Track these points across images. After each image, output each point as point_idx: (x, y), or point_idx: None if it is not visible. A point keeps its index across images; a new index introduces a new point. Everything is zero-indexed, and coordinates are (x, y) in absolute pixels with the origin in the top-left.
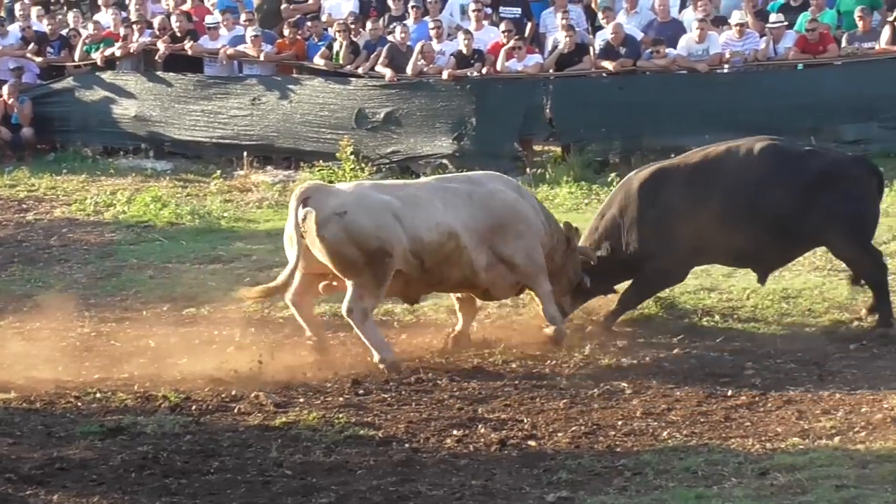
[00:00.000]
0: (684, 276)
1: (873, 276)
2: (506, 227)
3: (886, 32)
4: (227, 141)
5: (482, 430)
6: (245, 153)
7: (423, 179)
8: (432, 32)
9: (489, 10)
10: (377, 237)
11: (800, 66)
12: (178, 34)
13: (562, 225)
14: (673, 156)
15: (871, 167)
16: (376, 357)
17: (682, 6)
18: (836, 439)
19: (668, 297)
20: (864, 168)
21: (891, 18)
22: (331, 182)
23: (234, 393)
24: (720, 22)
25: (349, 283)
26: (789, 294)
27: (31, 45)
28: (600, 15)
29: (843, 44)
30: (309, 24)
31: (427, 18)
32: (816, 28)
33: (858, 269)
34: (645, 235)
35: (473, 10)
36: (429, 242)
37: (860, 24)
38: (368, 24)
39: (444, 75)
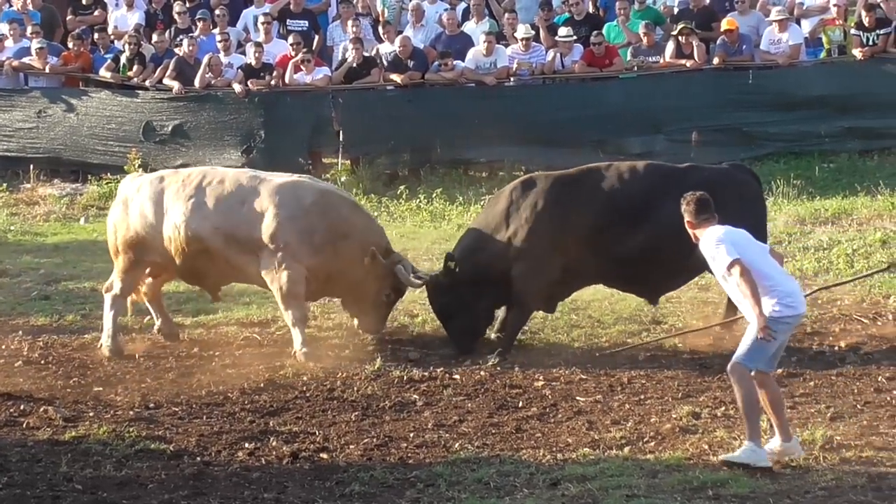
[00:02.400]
0: (560, 293)
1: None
2: None
3: (670, 46)
4: (12, 154)
5: (274, 443)
6: (31, 166)
7: None
8: (220, 45)
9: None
10: None
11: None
12: None
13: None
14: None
15: (752, 174)
16: None
17: (465, 19)
18: (626, 449)
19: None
20: (746, 176)
21: (674, 33)
22: None
23: (22, 407)
24: (501, 37)
25: None
26: (578, 305)
27: None
28: (381, 30)
29: (629, 57)
30: (95, 35)
31: (215, 31)
32: (602, 42)
33: None
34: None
35: (262, 23)
36: None
37: (644, 38)
38: (154, 37)
39: (237, 89)
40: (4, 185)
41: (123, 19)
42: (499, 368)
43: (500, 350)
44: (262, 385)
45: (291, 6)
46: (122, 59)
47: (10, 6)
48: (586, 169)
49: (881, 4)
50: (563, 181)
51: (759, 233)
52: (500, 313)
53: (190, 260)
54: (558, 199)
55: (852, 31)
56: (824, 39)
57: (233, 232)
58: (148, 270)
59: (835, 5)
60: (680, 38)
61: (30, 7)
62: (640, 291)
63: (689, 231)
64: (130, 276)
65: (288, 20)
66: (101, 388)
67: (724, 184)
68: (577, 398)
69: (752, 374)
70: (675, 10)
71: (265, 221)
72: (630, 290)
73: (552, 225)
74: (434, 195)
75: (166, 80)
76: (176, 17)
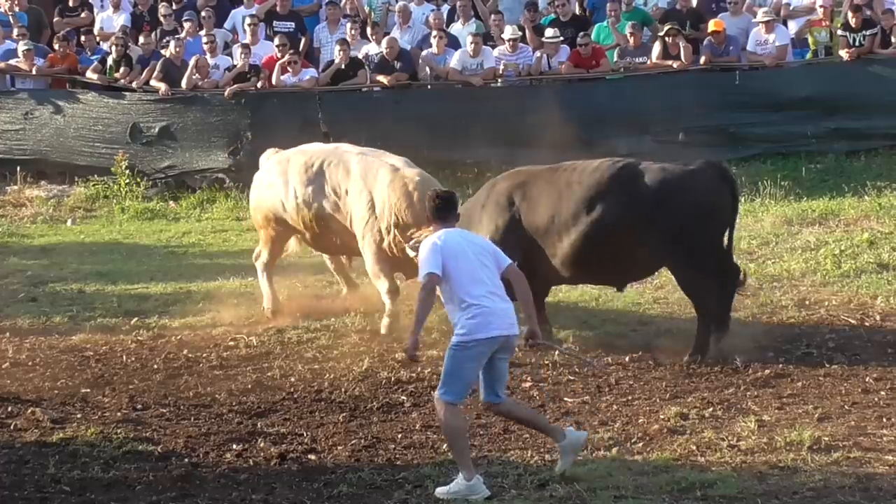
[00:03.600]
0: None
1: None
2: None
3: (657, 47)
4: None
5: (262, 445)
6: (18, 168)
7: None
8: (206, 47)
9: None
10: None
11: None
12: None
13: None
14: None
15: (722, 174)
16: None
17: (451, 20)
18: (614, 450)
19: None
20: (712, 177)
21: (661, 33)
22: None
23: (9, 409)
24: (488, 38)
25: None
26: (566, 307)
27: None
28: (369, 31)
29: (616, 58)
30: (82, 37)
31: (201, 33)
32: (589, 43)
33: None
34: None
35: (249, 24)
36: None
37: (631, 39)
38: (141, 39)
39: (226, 93)
40: None
41: (109, 21)
42: None
43: None
44: (249, 386)
45: (278, 8)
46: (109, 61)
47: None
48: (550, 167)
49: (871, 5)
50: (523, 177)
51: (718, 236)
52: None
53: (317, 235)
54: (515, 194)
55: (839, 32)
56: (810, 40)
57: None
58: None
59: (821, 6)
60: (667, 39)
61: (16, 9)
62: (598, 281)
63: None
64: (273, 246)
65: (274, 22)
66: (88, 390)
67: (680, 185)
68: (565, 399)
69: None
70: (662, 11)
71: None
72: (587, 282)
73: (510, 220)
74: None
75: (153, 82)
76: (162, 19)
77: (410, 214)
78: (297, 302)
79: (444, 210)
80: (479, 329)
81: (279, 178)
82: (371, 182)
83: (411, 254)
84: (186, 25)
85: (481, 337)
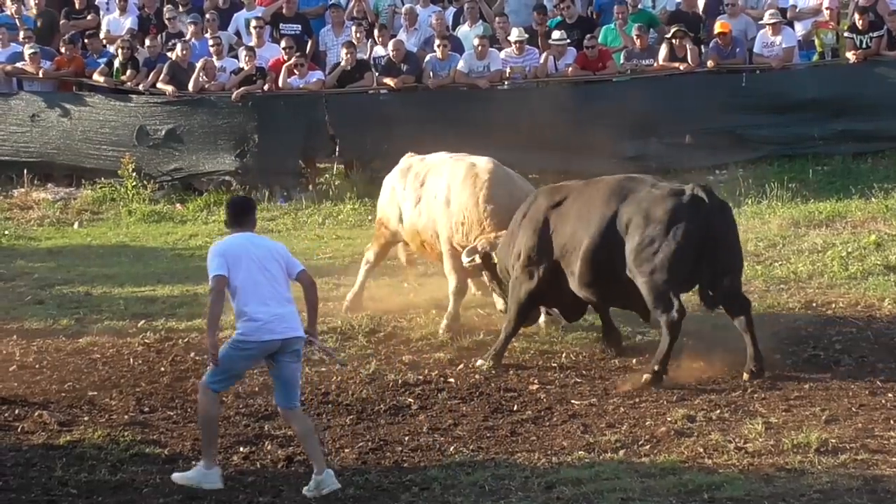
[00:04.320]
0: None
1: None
2: None
3: (664, 49)
4: (6, 158)
5: (269, 447)
6: (25, 170)
7: None
8: (212, 49)
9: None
10: None
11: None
12: None
13: None
14: None
15: (681, 202)
16: None
17: (457, 22)
18: (621, 452)
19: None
20: (673, 203)
21: (668, 35)
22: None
23: (17, 412)
24: (494, 41)
25: None
26: None
27: None
28: (376, 33)
29: (622, 60)
30: (87, 40)
31: (207, 35)
32: (595, 45)
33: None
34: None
35: (254, 27)
36: None
37: (638, 41)
38: (147, 41)
39: (233, 95)
40: None
41: (116, 23)
42: (493, 372)
43: (493, 353)
44: (256, 389)
45: (284, 10)
46: (116, 64)
47: (2, 11)
48: (585, 182)
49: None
50: (543, 195)
51: (673, 260)
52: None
53: (415, 244)
54: (551, 214)
55: (845, 33)
56: (817, 42)
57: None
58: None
59: (827, 8)
60: (673, 41)
61: (24, 12)
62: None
63: None
64: (380, 247)
65: (281, 24)
66: (95, 393)
67: (646, 208)
68: (572, 401)
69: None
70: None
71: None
72: (607, 305)
73: (534, 237)
74: None
75: (160, 85)
76: (167, 21)
77: (475, 214)
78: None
79: (236, 215)
80: (254, 332)
81: (396, 185)
82: (451, 178)
83: (465, 260)
84: (191, 28)
85: (255, 340)
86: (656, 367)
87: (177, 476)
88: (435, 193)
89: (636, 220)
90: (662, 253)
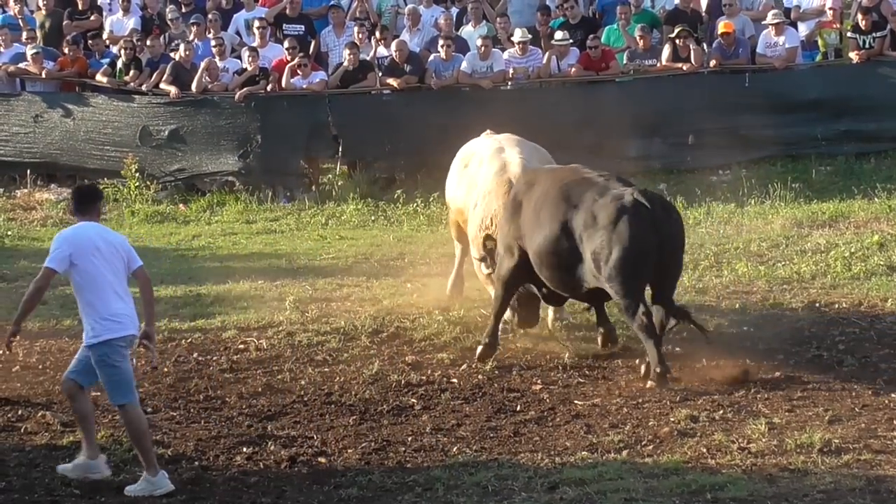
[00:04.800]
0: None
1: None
2: None
3: (667, 50)
4: (9, 159)
5: (272, 448)
6: (28, 171)
7: None
8: (214, 50)
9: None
10: None
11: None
12: None
13: None
14: None
15: (629, 206)
16: None
17: (460, 23)
18: (624, 453)
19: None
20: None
21: (672, 35)
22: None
23: (20, 412)
24: (497, 42)
25: None
26: (576, 308)
27: None
28: (378, 34)
29: (625, 60)
30: (91, 41)
31: (209, 36)
32: (598, 46)
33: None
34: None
35: (258, 28)
36: None
37: (641, 41)
38: (149, 42)
39: (237, 96)
40: (1, 190)
41: (119, 24)
42: (496, 372)
43: (485, 337)
44: (259, 390)
45: (288, 11)
46: (119, 64)
47: (5, 11)
48: (542, 169)
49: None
50: (525, 176)
51: (629, 265)
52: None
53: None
54: (515, 193)
55: (848, 34)
56: (820, 43)
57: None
58: None
59: (830, 9)
60: (677, 41)
61: (27, 12)
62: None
63: None
64: (460, 238)
65: (284, 25)
66: (98, 393)
67: (594, 215)
68: (575, 402)
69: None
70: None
71: None
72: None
73: (511, 218)
74: (431, 199)
75: (163, 85)
76: (169, 23)
77: (496, 212)
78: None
79: (82, 203)
80: (119, 330)
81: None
82: (485, 171)
83: (475, 255)
84: (194, 29)
85: (121, 335)
86: (657, 370)
87: (129, 489)
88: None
89: (587, 228)
90: (617, 259)
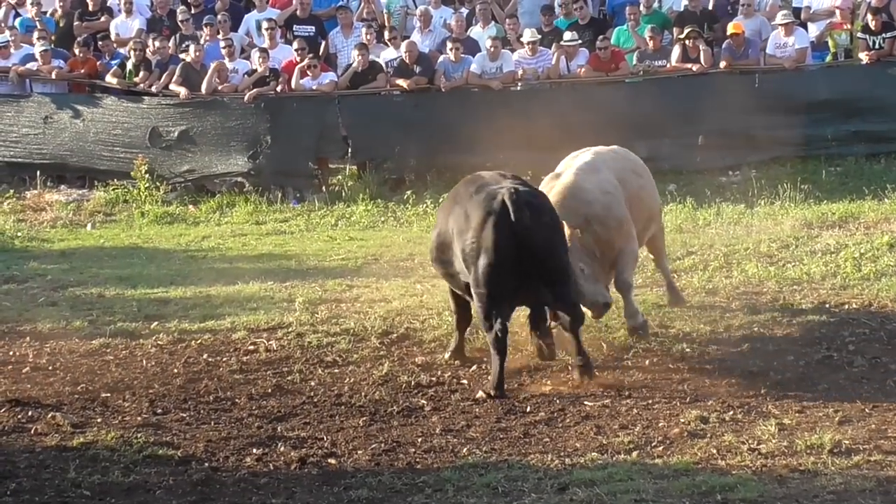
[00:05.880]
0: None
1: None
2: None
3: (677, 51)
4: (19, 160)
5: (282, 449)
6: (38, 172)
7: None
8: (224, 51)
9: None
10: None
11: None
12: None
13: None
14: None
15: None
16: None
17: (469, 24)
18: (634, 454)
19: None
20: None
21: (682, 36)
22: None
23: (30, 413)
24: (506, 42)
25: None
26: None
27: None
28: (387, 35)
29: (635, 61)
30: (100, 42)
31: (219, 37)
32: (608, 46)
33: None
34: None
35: (267, 29)
36: None
37: (651, 42)
38: (158, 43)
39: (246, 97)
40: (11, 191)
41: (124, 26)
42: (506, 373)
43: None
44: (269, 391)
45: (298, 12)
46: (129, 65)
47: (18, 14)
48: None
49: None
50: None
51: (488, 272)
52: None
53: None
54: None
55: (858, 34)
56: (830, 43)
57: None
58: None
59: (836, 7)
60: (687, 42)
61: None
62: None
63: None
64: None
65: (294, 25)
66: (108, 394)
67: (465, 216)
68: (585, 403)
69: None
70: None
71: None
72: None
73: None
74: (441, 200)
75: (172, 86)
76: (180, 24)
77: None
78: None
79: None
80: None
81: None
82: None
83: None
84: (205, 30)
85: None
86: (492, 392)
87: None
88: None
89: (457, 230)
90: (477, 265)
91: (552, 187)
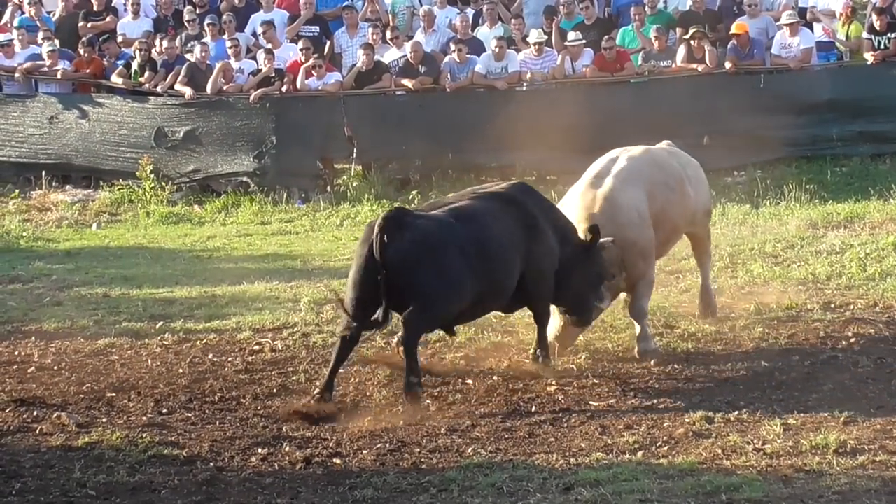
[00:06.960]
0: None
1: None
2: None
3: (682, 51)
4: (24, 160)
5: (287, 449)
6: (43, 172)
7: None
8: (230, 51)
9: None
10: None
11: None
12: None
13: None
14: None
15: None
16: None
17: (475, 24)
18: (640, 454)
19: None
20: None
21: (687, 37)
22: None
23: (35, 413)
24: (511, 43)
25: None
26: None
27: None
28: (388, 34)
29: (640, 61)
30: (105, 43)
31: (224, 37)
32: (613, 47)
33: None
34: None
35: (262, 33)
36: None
37: (656, 42)
38: (164, 43)
39: (251, 97)
40: (16, 191)
41: (131, 27)
42: (511, 373)
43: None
44: (275, 391)
45: (302, 12)
46: (134, 66)
47: (23, 13)
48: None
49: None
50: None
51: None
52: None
53: None
54: None
55: (864, 35)
56: (842, 34)
57: None
58: None
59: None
60: (692, 42)
61: (43, 13)
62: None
63: None
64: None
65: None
66: (113, 394)
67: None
68: (590, 403)
69: None
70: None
71: None
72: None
73: None
74: None
75: (178, 86)
76: (186, 23)
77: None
78: None
79: None
80: None
81: None
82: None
83: None
84: (209, 30)
85: None
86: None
87: None
88: None
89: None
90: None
91: (592, 197)
